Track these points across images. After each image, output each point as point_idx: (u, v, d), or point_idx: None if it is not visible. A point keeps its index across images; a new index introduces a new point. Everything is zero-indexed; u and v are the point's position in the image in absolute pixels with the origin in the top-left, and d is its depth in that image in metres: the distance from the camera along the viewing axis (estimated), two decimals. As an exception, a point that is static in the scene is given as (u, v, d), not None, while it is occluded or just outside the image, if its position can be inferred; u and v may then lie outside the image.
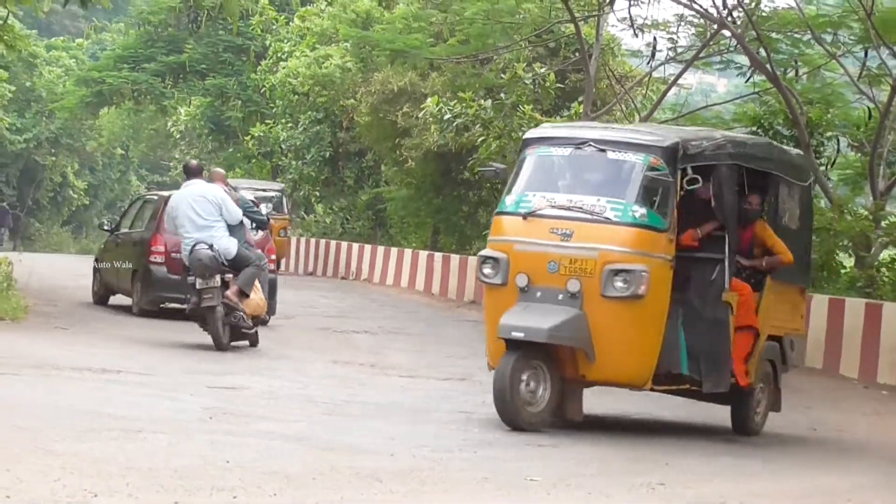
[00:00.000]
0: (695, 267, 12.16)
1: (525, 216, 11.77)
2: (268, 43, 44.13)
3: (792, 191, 13.33)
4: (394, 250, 34.25)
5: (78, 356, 14.25)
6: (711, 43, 26.20)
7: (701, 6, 24.36)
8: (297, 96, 40.36)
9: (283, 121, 42.25)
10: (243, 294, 16.04)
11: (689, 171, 11.74)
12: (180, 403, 11.27)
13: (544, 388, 11.44)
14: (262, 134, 43.63)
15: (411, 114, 33.23)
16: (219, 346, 16.08)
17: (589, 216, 11.54)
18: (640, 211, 11.48)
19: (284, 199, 36.50)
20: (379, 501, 7.89)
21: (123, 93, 48.06)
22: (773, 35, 24.09)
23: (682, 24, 27.20)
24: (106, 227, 24.15)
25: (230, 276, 16.12)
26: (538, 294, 11.48)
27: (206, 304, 15.89)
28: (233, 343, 16.38)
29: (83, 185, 68.29)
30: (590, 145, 11.97)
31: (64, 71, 62.08)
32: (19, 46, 30.63)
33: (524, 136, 12.94)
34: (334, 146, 40.65)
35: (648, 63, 28.02)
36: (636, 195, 11.58)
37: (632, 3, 25.69)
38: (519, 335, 11.27)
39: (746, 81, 25.81)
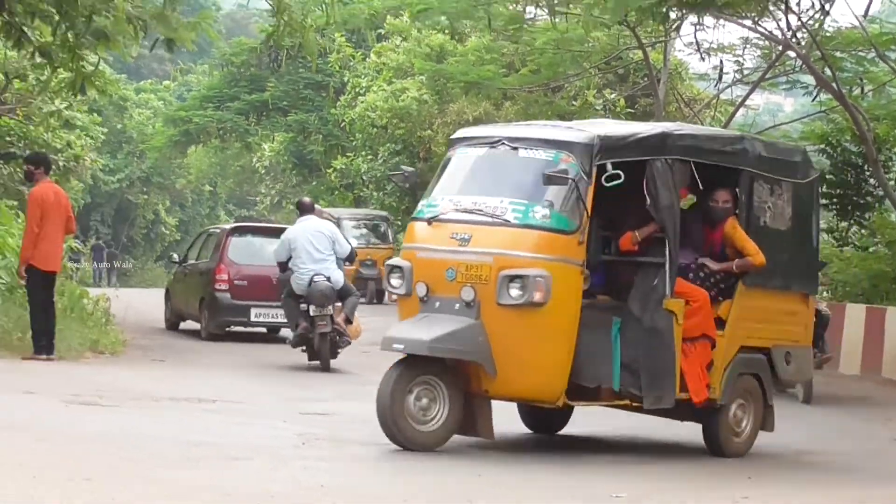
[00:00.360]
0: (637, 273, 10.88)
1: (430, 221, 10.76)
2: (346, 79, 44.33)
3: (778, 188, 11.63)
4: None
5: (175, 387, 14.32)
6: (777, 64, 26.05)
7: (766, 29, 24.19)
8: (375, 129, 40.45)
9: (363, 153, 42.40)
10: (348, 321, 17.08)
11: (609, 167, 10.34)
12: (274, 430, 11.28)
13: (441, 405, 10.28)
14: (343, 166, 43.91)
15: (486, 142, 33.23)
16: (325, 368, 16.91)
17: (489, 219, 10.39)
18: (541, 212, 10.26)
19: (389, 229, 35.43)
20: (470, 521, 7.87)
21: (209, 131, 48.51)
22: (838, 54, 23.90)
23: (748, 46, 27.14)
24: (175, 259, 25.08)
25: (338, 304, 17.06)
26: (437, 304, 10.42)
27: (320, 330, 16.66)
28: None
29: (174, 222, 68.87)
30: (503, 143, 10.81)
31: (153, 112, 62.64)
32: (110, 91, 31.07)
33: (450, 137, 11.92)
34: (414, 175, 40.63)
35: (716, 85, 27.97)
36: (540, 195, 10.32)
37: (697, 28, 25.60)
38: (399, 348, 10.32)
39: (813, 100, 25.66)
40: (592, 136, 10.47)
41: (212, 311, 21.37)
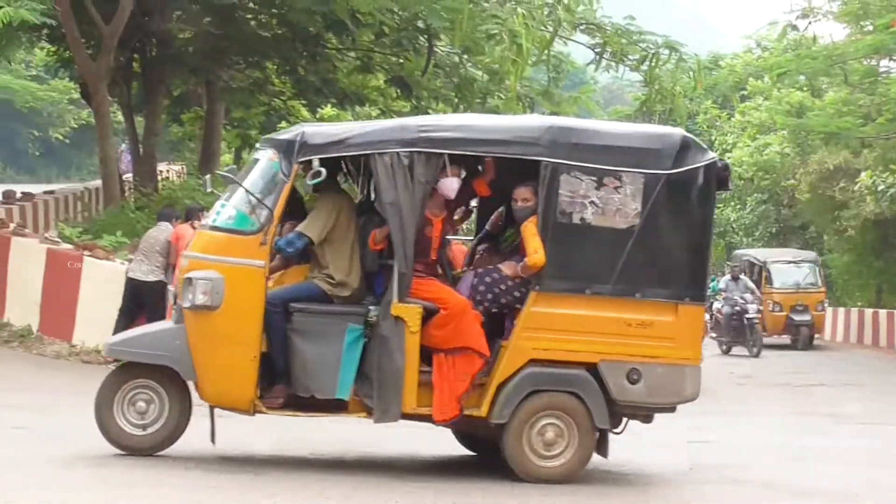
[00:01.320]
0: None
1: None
2: (713, 137, 44.19)
3: (614, 179, 8.99)
4: (841, 310, 33.65)
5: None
6: None
7: None
8: (742, 181, 40.14)
9: (732, 203, 42.22)
10: None
11: (316, 163, 8.94)
12: (664, 458, 11.18)
13: (160, 409, 9.04)
14: (714, 216, 43.98)
15: (847, 188, 32.57)
16: None
17: (206, 222, 9.50)
18: (230, 213, 9.15)
19: (818, 270, 29.95)
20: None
21: None
22: None
23: None
24: None
25: None
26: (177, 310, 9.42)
27: None
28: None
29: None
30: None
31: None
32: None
33: None
34: (779, 222, 40.17)
35: None
36: (237, 196, 9.17)
37: None
38: (105, 351, 9.48)
39: None
40: (297, 133, 9.17)
41: None
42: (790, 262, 29.22)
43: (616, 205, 9.00)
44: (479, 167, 9.50)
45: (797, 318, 27.75)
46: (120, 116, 27.92)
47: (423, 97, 23.69)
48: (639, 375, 8.99)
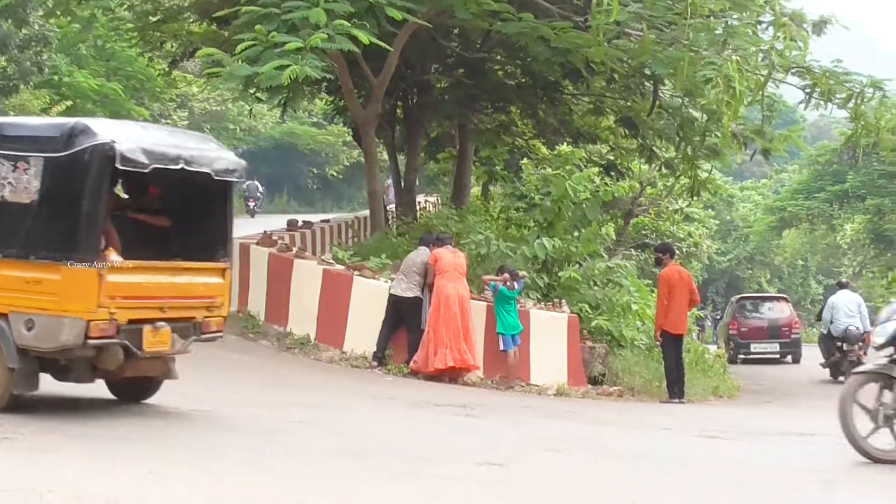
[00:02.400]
0: None
1: None
2: (915, 168, 42.57)
3: (24, 163, 9.60)
4: None
5: (781, 423, 14.03)
6: None
7: None
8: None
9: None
10: (865, 354, 20.19)
11: None
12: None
13: None
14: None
15: None
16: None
17: None
18: None
19: None
20: None
21: (801, 217, 48.90)
22: None
23: None
24: (719, 317, 35.14)
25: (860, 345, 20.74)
26: None
27: (850, 359, 20.50)
28: None
29: (774, 290, 67.76)
30: None
31: (754, 205, 62.52)
32: (720, 192, 31.48)
33: None
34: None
35: None
36: None
37: None
38: None
39: None
40: None
41: (727, 347, 29.29)
42: None
43: (24, 184, 9.61)
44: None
45: None
46: (385, 155, 28.55)
47: (648, 136, 23.51)
48: (32, 324, 9.45)
